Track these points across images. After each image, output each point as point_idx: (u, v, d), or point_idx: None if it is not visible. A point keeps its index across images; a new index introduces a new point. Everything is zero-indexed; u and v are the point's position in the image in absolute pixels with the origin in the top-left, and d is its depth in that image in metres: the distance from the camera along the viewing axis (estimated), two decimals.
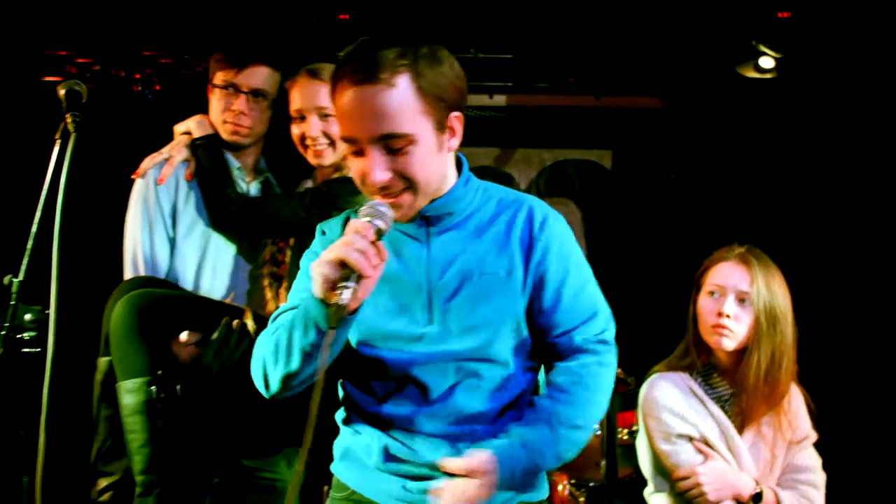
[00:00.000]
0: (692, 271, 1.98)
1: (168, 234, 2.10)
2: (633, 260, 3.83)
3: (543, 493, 1.42)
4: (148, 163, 2.12)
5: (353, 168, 1.30)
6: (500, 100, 3.87)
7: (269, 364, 1.30)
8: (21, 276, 1.70)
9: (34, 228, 1.69)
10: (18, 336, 1.73)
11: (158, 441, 1.84)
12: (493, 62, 3.68)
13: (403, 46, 1.24)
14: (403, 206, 1.29)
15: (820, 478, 1.89)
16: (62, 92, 1.77)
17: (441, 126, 1.29)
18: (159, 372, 1.85)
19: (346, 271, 1.16)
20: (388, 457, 1.35)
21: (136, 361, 1.85)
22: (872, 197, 3.47)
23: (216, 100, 2.14)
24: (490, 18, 3.45)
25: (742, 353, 1.85)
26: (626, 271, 3.78)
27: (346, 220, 1.42)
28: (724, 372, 1.90)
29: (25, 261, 1.70)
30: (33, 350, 1.73)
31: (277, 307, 1.43)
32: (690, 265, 2.01)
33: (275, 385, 1.30)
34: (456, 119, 1.32)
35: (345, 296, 1.15)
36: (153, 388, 1.84)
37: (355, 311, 1.24)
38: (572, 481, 2.96)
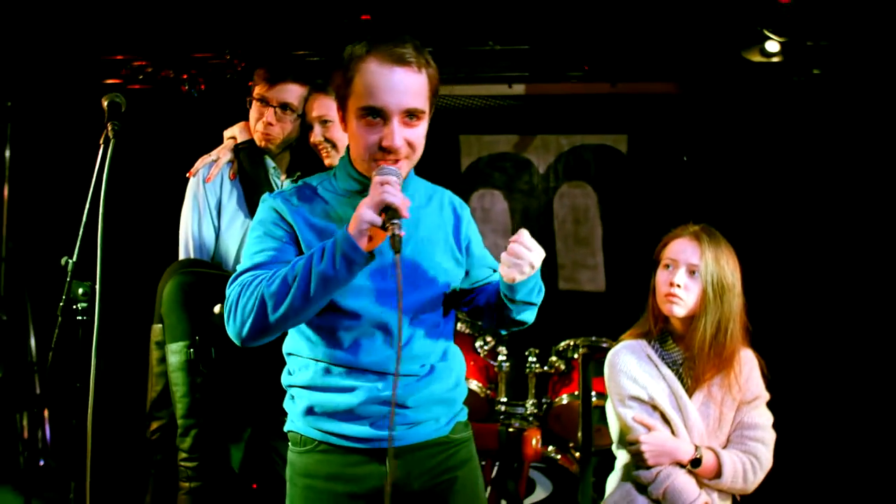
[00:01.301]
0: None
1: (214, 224, 2.42)
2: (647, 241, 3.96)
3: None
4: (199, 163, 2.44)
5: (363, 135, 1.46)
6: (518, 89, 4.03)
7: (273, 302, 1.39)
8: (74, 258, 2.06)
9: (84, 218, 2.04)
10: (73, 307, 2.09)
11: (196, 393, 2.21)
12: (511, 53, 3.85)
13: (420, 45, 1.50)
14: (402, 171, 1.49)
15: (769, 435, 2.04)
16: (105, 103, 2.04)
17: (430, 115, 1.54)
18: (197, 337, 2.21)
19: (390, 213, 1.35)
20: (364, 400, 1.52)
21: (180, 328, 2.21)
22: (882, 179, 3.53)
23: (253, 110, 2.41)
24: (506, 11, 3.65)
25: (693, 320, 2.04)
26: (640, 252, 3.92)
27: (301, 189, 1.58)
28: (678, 338, 2.09)
29: (77, 245, 2.06)
30: (85, 318, 2.10)
31: None
32: None
33: (272, 320, 1.40)
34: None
35: (398, 230, 1.34)
36: (192, 350, 2.20)
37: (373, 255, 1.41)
38: (570, 444, 3.19)
